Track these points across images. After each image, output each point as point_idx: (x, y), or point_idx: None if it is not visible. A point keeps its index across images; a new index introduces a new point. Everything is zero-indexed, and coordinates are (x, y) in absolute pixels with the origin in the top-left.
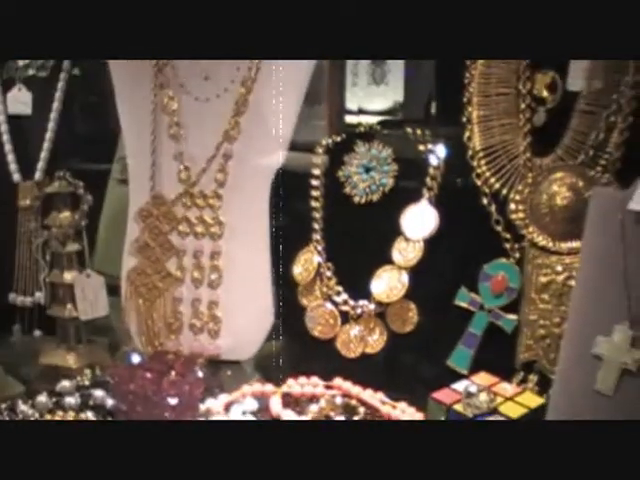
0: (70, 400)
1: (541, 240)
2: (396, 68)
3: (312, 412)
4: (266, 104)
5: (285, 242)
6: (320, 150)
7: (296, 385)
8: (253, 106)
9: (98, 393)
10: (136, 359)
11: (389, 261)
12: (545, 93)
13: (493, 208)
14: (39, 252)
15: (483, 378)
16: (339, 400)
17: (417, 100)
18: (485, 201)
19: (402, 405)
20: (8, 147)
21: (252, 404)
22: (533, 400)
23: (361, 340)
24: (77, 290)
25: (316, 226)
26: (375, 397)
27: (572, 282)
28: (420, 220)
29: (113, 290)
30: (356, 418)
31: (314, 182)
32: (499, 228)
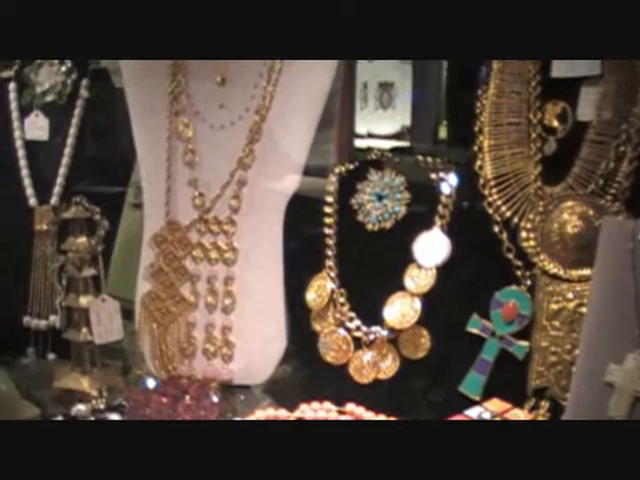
0: None
1: (552, 268)
2: (403, 92)
3: None
4: (280, 132)
5: (298, 268)
6: (333, 178)
7: (309, 410)
8: (267, 134)
9: (113, 417)
10: (151, 384)
11: (402, 288)
12: (555, 123)
13: (505, 236)
14: (55, 276)
15: (495, 404)
16: None
17: (425, 124)
18: (497, 229)
19: None
20: (25, 172)
21: None
22: None
23: (374, 366)
24: (92, 314)
25: (329, 252)
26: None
27: (583, 309)
28: (432, 247)
29: (127, 314)
30: None
31: (327, 209)
32: (510, 256)
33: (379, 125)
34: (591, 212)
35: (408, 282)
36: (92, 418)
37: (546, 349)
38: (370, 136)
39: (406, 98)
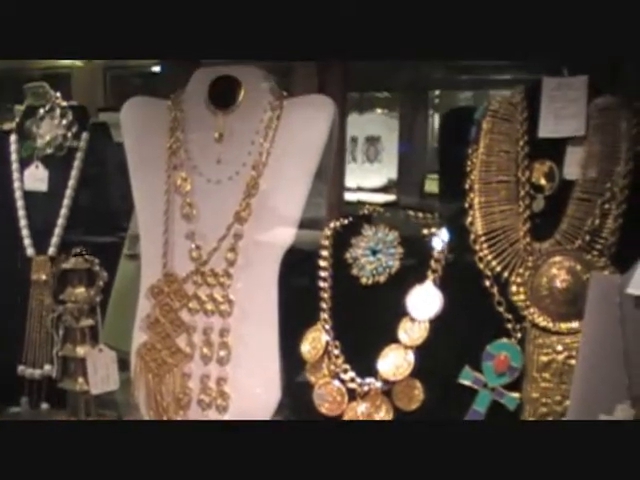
0: None
1: (542, 321)
2: (390, 146)
3: None
4: (276, 186)
5: (293, 320)
6: (328, 232)
7: None
8: (263, 188)
9: None
10: None
11: (395, 340)
12: (543, 181)
13: (495, 290)
14: (53, 326)
15: None
16: None
17: (411, 177)
18: (487, 283)
19: None
20: (23, 222)
21: None
22: None
23: (368, 417)
24: (89, 364)
25: (324, 305)
26: None
27: (572, 361)
28: (425, 301)
29: (121, 365)
30: None
31: (322, 263)
32: (501, 309)
33: (366, 178)
34: (579, 267)
35: (402, 335)
36: None
37: (537, 400)
38: (359, 189)
39: (392, 151)
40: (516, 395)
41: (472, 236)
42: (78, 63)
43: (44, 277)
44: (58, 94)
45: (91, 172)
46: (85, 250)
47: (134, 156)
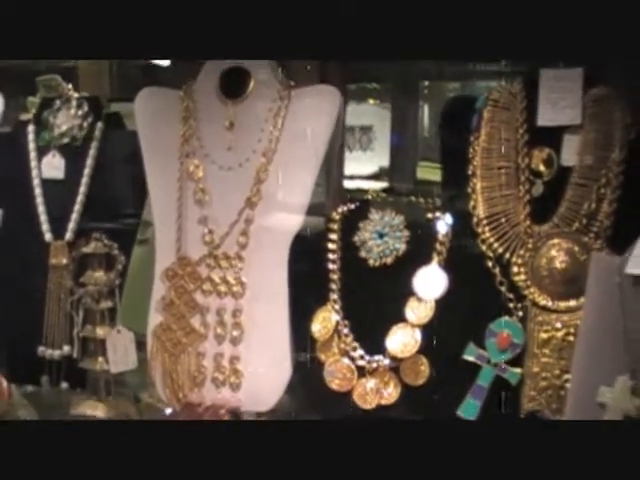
0: None
1: (541, 300)
2: (382, 136)
3: None
4: (285, 173)
5: (304, 301)
6: (336, 216)
7: None
8: (273, 174)
9: None
10: (168, 411)
11: (403, 319)
12: (542, 167)
13: (497, 270)
14: (73, 308)
15: None
16: None
17: (403, 166)
18: (490, 264)
19: None
20: (41, 208)
21: None
22: None
23: (376, 393)
24: (109, 345)
25: (333, 286)
26: None
27: (571, 338)
28: (431, 282)
29: (137, 345)
30: None
31: (331, 246)
32: (503, 289)
33: (360, 166)
34: (576, 248)
35: (409, 314)
36: None
37: (537, 375)
38: (352, 177)
39: (384, 141)
40: (518, 370)
41: (475, 219)
42: None
43: (62, 261)
44: (70, 86)
45: (106, 160)
46: (102, 235)
47: (148, 145)
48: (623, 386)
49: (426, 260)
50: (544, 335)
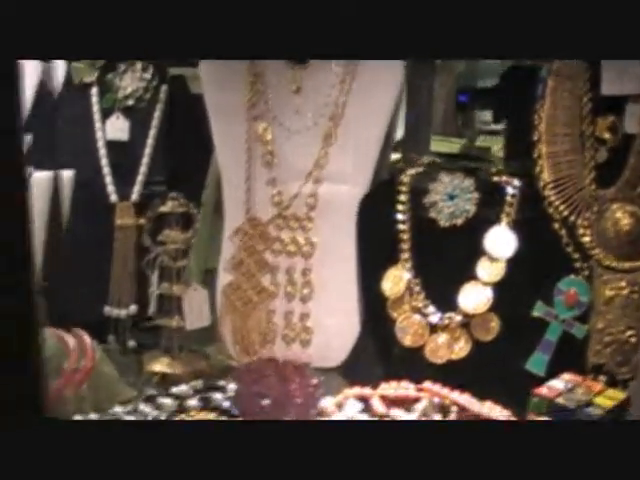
0: (191, 402)
1: (606, 260)
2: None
3: (417, 410)
4: (353, 135)
5: (373, 260)
6: (405, 178)
7: (390, 388)
8: (341, 137)
9: (217, 396)
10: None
11: (474, 278)
12: (606, 135)
13: (564, 232)
14: (149, 266)
15: (569, 378)
16: (436, 400)
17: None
18: (556, 226)
19: (487, 404)
20: (106, 170)
21: (356, 405)
22: (617, 394)
23: (448, 348)
24: (185, 302)
25: (404, 246)
26: (464, 398)
27: (635, 296)
28: (501, 242)
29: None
30: (450, 418)
31: (400, 207)
32: (570, 249)
33: None
34: None
35: (480, 272)
36: (194, 399)
37: (602, 330)
38: None
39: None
40: (584, 326)
41: (541, 183)
42: None
43: (127, 222)
44: None
45: (170, 122)
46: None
47: (214, 108)
48: None
49: (496, 221)
50: (609, 293)
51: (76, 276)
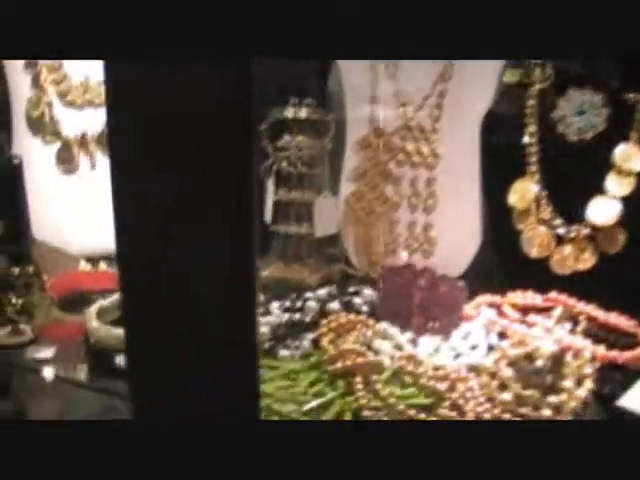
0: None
1: None
2: None
3: (553, 317)
4: None
5: (498, 173)
6: (533, 93)
7: (517, 297)
8: None
9: (367, 291)
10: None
11: (602, 191)
12: None
13: None
14: (267, 172)
15: None
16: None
17: None
18: None
19: (614, 314)
20: None
21: (489, 311)
22: None
23: (574, 259)
24: (316, 209)
25: (531, 159)
26: (590, 307)
27: None
28: (631, 157)
29: None
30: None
31: (528, 120)
32: None
33: None
34: None
35: (609, 186)
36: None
37: None
38: None
39: None
40: None
41: None
42: None
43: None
44: None
45: None
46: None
47: None
48: None
49: (625, 137)
50: None
51: None
